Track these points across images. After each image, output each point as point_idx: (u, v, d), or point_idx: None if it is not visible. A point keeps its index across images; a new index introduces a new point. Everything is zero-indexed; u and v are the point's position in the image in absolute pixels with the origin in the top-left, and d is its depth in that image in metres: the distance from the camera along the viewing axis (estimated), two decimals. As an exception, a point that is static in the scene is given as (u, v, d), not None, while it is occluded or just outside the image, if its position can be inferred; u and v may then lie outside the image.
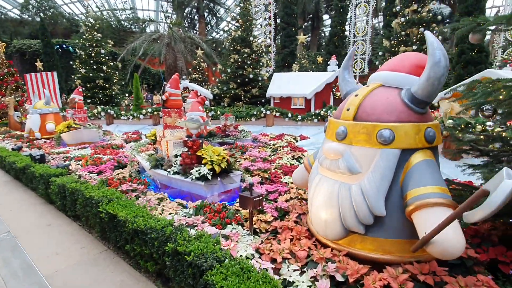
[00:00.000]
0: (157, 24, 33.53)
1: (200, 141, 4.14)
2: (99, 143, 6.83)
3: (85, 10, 22.87)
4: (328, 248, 2.37)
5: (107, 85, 16.28)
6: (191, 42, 23.24)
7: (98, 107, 11.75)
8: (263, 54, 15.48)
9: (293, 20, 22.57)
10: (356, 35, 20.22)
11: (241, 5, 15.14)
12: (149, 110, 11.20)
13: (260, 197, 2.80)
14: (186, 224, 2.87)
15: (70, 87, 20.65)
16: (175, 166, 4.26)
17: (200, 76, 18.10)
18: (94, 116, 11.57)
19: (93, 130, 7.44)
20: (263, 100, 14.07)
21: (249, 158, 5.87)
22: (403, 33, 11.12)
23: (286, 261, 2.35)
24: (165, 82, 5.48)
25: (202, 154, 4.04)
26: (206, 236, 2.27)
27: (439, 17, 11.17)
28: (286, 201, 3.58)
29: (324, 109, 10.08)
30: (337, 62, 16.97)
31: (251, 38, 14.43)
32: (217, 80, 14.82)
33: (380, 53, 12.26)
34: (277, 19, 25.40)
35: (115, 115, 11.33)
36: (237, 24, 15.09)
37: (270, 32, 21.96)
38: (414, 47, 10.67)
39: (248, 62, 14.07)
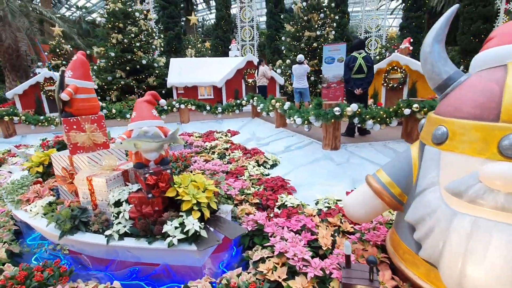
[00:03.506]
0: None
1: (169, 171, 2.35)
2: None
3: None
4: None
5: None
6: (38, 18, 17.32)
7: None
8: (154, 35, 12.81)
9: (175, -2, 20.01)
10: (243, 20, 19.78)
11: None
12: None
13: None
14: None
15: None
16: (120, 223, 2.32)
17: (63, 62, 13.56)
18: None
19: None
20: (163, 92, 11.69)
21: (203, 173, 4.24)
22: (305, 18, 11.17)
23: None
24: (62, 68, 3.17)
25: (179, 195, 2.30)
26: None
27: (333, 4, 11.78)
28: (335, 246, 2.38)
29: (245, 98, 9.02)
30: (238, 47, 16.12)
31: (137, 14, 11.55)
32: (94, 67, 11.33)
33: (283, 38, 12.07)
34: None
35: None
36: None
37: (148, 10, 18.80)
38: (318, 32, 10.89)
39: (138, 45, 11.26)
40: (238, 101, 8.96)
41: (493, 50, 1.83)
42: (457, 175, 1.59)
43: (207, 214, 2.35)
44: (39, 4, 24.58)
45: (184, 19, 25.00)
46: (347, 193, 3.53)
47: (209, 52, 19.32)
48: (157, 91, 11.89)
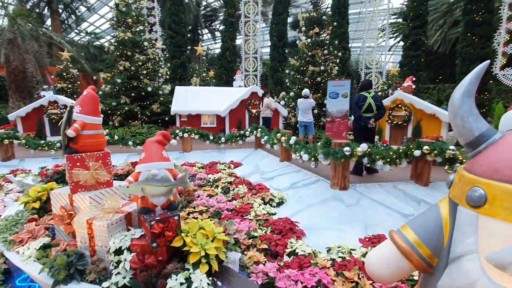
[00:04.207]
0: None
1: (176, 217, 2.19)
2: None
3: None
4: None
5: None
6: (48, 41, 17.80)
7: None
8: (161, 63, 13.07)
9: (182, 29, 20.78)
10: (247, 52, 20.39)
11: (123, 2, 12.31)
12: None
13: None
14: None
15: None
16: (120, 273, 2.12)
17: (69, 86, 13.68)
18: None
19: None
20: (166, 118, 11.69)
21: (206, 211, 4.06)
22: (309, 53, 11.48)
23: None
24: (71, 103, 3.09)
25: (186, 245, 2.11)
26: None
27: (336, 41, 12.20)
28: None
29: (248, 129, 8.98)
30: (242, 78, 16.46)
31: (146, 43, 11.85)
32: (99, 92, 11.40)
33: (287, 71, 12.35)
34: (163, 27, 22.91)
35: None
36: (113, 24, 12.16)
37: (156, 39, 19.42)
38: (322, 68, 11.14)
39: (144, 72, 11.43)
40: (242, 132, 8.90)
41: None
42: (500, 245, 1.44)
43: (215, 266, 2.15)
44: (50, 28, 25.46)
45: (189, 47, 25.88)
46: (360, 240, 3.33)
47: (213, 80, 19.75)
48: (160, 118, 11.92)
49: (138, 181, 2.15)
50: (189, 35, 31.73)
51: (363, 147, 4.33)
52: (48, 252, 2.33)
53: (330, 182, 4.68)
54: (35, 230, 2.57)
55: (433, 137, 7.26)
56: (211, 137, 8.66)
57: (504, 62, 12.62)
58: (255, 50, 20.11)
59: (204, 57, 34.64)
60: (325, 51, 11.28)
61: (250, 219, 3.77)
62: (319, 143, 4.76)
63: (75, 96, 13.42)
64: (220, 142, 8.73)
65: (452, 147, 4.58)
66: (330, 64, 11.44)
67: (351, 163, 4.69)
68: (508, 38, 11.64)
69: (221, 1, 30.52)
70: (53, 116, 10.02)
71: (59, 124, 2.52)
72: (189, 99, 11.65)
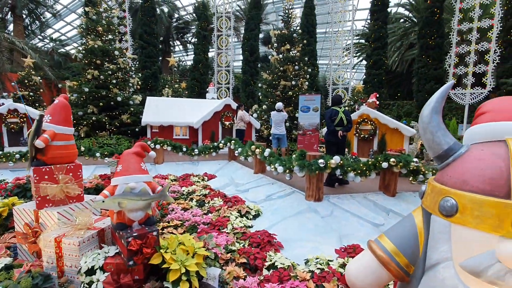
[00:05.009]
0: None
1: (155, 233, 2.11)
2: None
3: None
4: None
5: None
6: (9, 47, 16.65)
7: None
8: (132, 73, 12.68)
9: (153, 40, 20.49)
10: (219, 65, 20.53)
11: (93, 10, 11.92)
12: None
13: None
14: None
15: None
16: (92, 295, 1.98)
17: (31, 94, 12.73)
18: None
19: None
20: (136, 129, 11.29)
21: (182, 225, 3.95)
22: (281, 68, 11.84)
23: None
24: (41, 113, 2.83)
25: (165, 261, 2.03)
26: None
27: (306, 58, 12.73)
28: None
29: (222, 141, 8.94)
30: (215, 90, 16.46)
31: (116, 52, 11.49)
32: (63, 101, 10.75)
33: (260, 84, 12.60)
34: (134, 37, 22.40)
35: None
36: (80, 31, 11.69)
37: (127, 49, 18.93)
38: (293, 82, 11.51)
39: (114, 82, 11.02)
40: (215, 144, 8.84)
41: (490, 125, 1.92)
42: (472, 252, 1.55)
43: (195, 283, 2.09)
44: (12, 34, 23.79)
45: (161, 58, 25.48)
46: (336, 250, 3.41)
47: (185, 92, 19.58)
48: (130, 128, 11.49)
49: (114, 195, 2.05)
50: (160, 46, 31.29)
51: (336, 159, 4.50)
52: (11, 273, 2.12)
53: (305, 194, 4.78)
54: (-7, 251, 2.33)
55: (396, 150, 7.73)
56: (184, 149, 8.49)
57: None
58: (228, 64, 20.33)
59: (175, 69, 34.22)
60: (296, 67, 11.70)
61: (227, 233, 3.72)
62: (293, 156, 4.86)
63: (37, 104, 12.54)
64: (193, 154, 8.58)
65: (415, 159, 4.91)
66: (301, 79, 11.87)
67: (324, 175, 4.84)
68: (458, 61, 12.88)
69: (194, 15, 30.68)
70: (12, 125, 9.28)
71: (27, 134, 2.34)
72: (161, 110, 11.40)
